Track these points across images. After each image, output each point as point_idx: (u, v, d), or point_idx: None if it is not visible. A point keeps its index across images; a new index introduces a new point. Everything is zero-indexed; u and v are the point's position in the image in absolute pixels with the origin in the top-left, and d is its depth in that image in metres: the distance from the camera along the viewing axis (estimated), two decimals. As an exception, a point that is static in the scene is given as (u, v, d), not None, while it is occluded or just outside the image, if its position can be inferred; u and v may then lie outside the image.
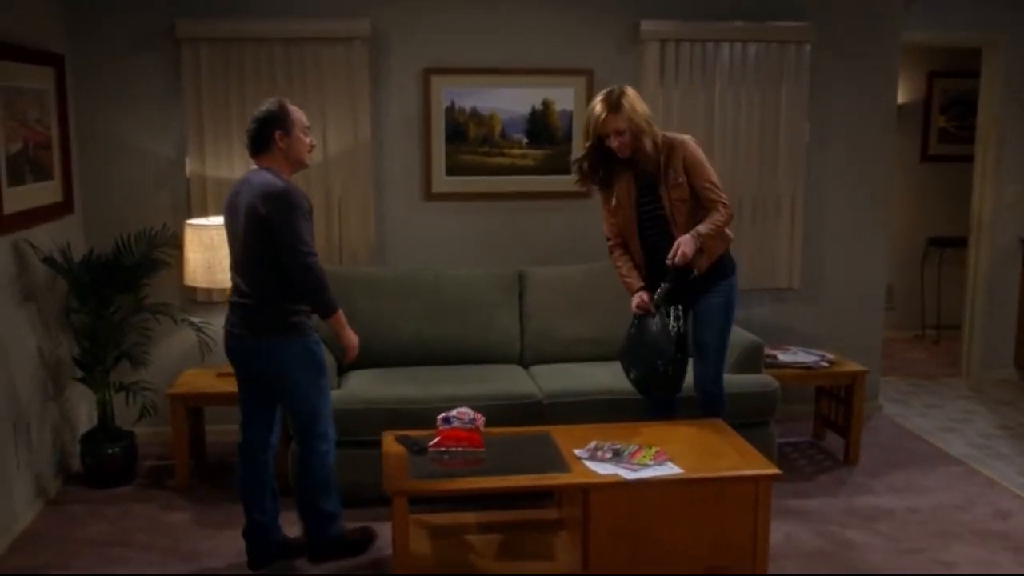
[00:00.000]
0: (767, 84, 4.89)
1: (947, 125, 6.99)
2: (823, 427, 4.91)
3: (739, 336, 4.36)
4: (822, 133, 5.07)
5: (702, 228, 3.48)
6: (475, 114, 4.76)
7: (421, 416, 3.73)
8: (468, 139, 4.76)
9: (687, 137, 3.57)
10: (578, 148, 3.62)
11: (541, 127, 4.81)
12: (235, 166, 4.58)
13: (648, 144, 3.46)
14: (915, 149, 7.02)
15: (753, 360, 4.30)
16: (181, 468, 4.20)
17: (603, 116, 3.43)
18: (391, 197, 4.80)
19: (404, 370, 4.21)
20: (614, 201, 3.61)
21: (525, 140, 4.82)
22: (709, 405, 3.70)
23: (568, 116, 4.81)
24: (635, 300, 3.59)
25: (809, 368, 4.58)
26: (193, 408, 4.40)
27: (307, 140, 3.21)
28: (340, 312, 3.20)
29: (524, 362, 4.49)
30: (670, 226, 3.54)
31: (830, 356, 4.70)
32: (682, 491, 3.13)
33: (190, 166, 4.59)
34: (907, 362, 6.51)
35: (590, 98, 4.71)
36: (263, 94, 4.53)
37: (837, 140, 5.09)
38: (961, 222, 6.38)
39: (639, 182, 3.55)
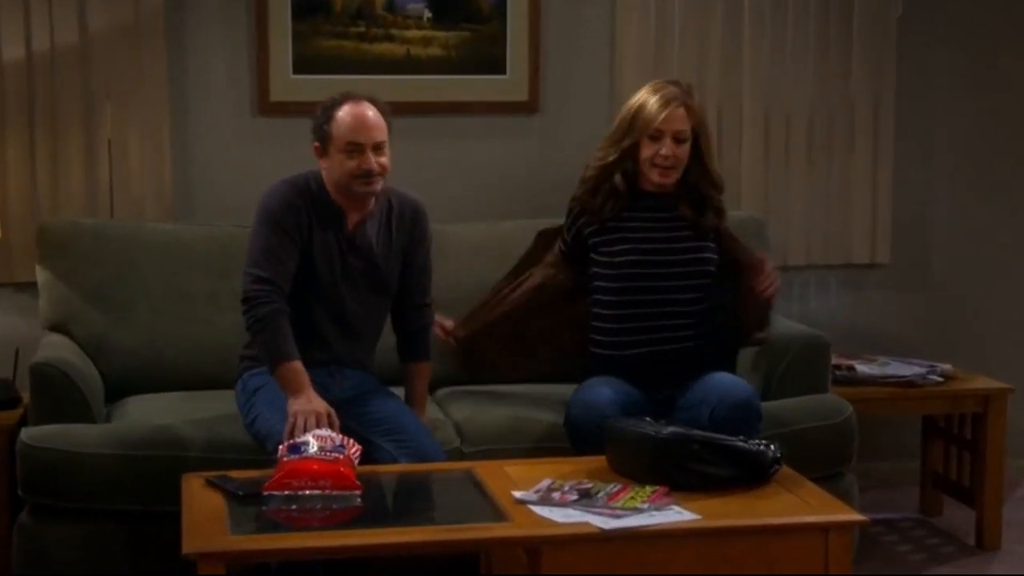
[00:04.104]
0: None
1: None
2: (937, 493, 4.93)
3: (788, 331, 4.42)
4: (922, 3, 5.16)
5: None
6: (343, -32, 4.80)
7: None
8: (332, 11, 4.74)
9: None
10: (599, 158, 4.03)
11: (455, -7, 4.88)
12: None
13: (716, 167, 4.05)
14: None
15: (813, 370, 4.31)
16: None
17: (664, 107, 3.88)
18: (200, 109, 4.78)
19: (220, 395, 4.17)
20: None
21: (428, 14, 4.84)
22: (736, 422, 3.70)
23: (500, -27, 4.90)
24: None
25: (910, 384, 4.61)
26: None
27: (351, 163, 3.74)
28: (285, 367, 3.67)
29: (430, 383, 4.36)
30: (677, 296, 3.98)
31: (944, 366, 4.73)
32: (700, 550, 3.13)
33: None
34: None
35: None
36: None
37: (947, 15, 5.18)
38: None
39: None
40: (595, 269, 3.99)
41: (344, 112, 3.74)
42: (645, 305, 3.92)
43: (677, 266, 3.93)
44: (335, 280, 3.83)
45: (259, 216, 3.77)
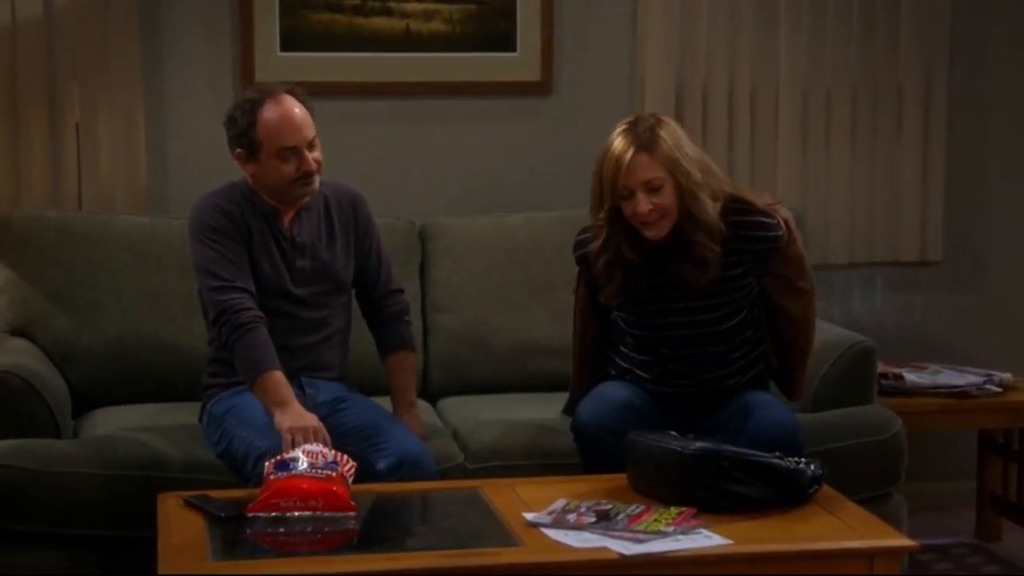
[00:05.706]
0: None
1: None
2: (995, 516, 4.93)
3: (829, 336, 4.41)
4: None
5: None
6: (335, -65, 4.85)
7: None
8: (323, -17, 4.83)
9: (784, 211, 3.91)
10: (593, 219, 3.90)
11: (461, -39, 4.93)
12: None
13: (706, 209, 3.75)
14: None
15: (857, 380, 4.31)
16: None
17: (627, 157, 3.71)
18: (177, 91, 4.81)
19: (199, 407, 4.12)
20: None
21: (432, -15, 4.92)
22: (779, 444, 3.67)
23: (512, -64, 4.96)
24: None
25: (965, 395, 4.62)
26: None
27: (288, 167, 3.83)
28: (266, 378, 3.73)
29: (429, 391, 4.54)
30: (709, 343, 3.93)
31: (1003, 375, 4.74)
32: (733, 577, 3.16)
33: None
34: None
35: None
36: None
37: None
38: None
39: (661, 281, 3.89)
40: None
41: (269, 114, 3.81)
42: (660, 358, 3.89)
43: (678, 331, 3.87)
44: (284, 284, 3.92)
45: (196, 234, 3.87)
